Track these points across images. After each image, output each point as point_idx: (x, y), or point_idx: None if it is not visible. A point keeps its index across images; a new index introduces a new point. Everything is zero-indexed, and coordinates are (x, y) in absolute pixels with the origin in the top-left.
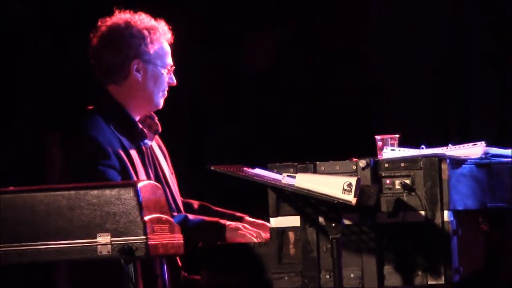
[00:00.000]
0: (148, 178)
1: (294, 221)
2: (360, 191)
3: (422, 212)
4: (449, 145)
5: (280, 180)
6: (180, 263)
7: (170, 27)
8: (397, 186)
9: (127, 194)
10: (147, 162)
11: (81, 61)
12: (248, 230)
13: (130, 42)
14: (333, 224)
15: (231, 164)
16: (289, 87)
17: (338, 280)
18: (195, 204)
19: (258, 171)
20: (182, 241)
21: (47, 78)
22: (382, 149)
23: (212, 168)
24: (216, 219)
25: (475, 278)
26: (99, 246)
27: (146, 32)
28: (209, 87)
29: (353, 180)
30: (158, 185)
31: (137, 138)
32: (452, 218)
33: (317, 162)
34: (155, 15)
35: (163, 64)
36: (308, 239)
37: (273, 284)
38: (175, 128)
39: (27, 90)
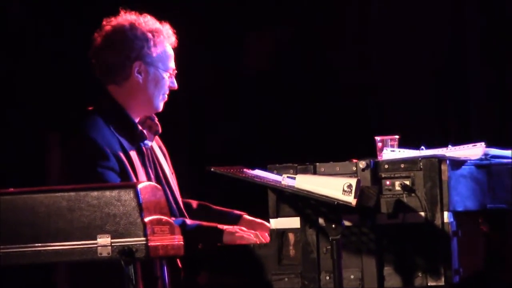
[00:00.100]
0: (148, 179)
1: (294, 222)
2: (360, 192)
3: (422, 213)
4: (449, 146)
5: (280, 181)
6: (180, 265)
7: (175, 30)
8: (397, 187)
9: (127, 195)
10: (147, 163)
11: (81, 61)
12: (245, 231)
13: (133, 44)
14: (333, 225)
15: (231, 165)
16: (289, 87)
17: (338, 281)
18: (194, 203)
19: (258, 172)
20: (182, 242)
21: (47, 78)
22: (382, 150)
23: (212, 169)
24: (214, 224)
25: (475, 279)
26: (99, 248)
27: (150, 35)
28: (209, 87)
29: (353, 181)
30: (158, 186)
31: (137, 139)
32: (452, 219)
33: (317, 163)
34: (155, 15)
35: (165, 68)
36: (308, 240)
37: (273, 286)
38: (175, 128)
39: (27, 90)
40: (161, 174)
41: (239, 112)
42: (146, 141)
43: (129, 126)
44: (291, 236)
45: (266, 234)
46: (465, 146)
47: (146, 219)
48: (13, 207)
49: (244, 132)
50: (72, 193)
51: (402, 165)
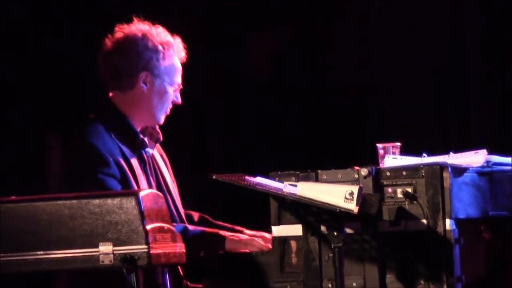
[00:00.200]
0: (150, 186)
1: (296, 229)
2: (362, 200)
3: (424, 221)
4: (451, 153)
5: (282, 189)
6: (182, 272)
7: (185, 45)
8: (399, 195)
9: (129, 203)
10: (148, 171)
11: (81, 61)
12: (251, 236)
13: (143, 54)
14: (335, 233)
15: (232, 169)
16: (289, 87)
17: None
18: (196, 216)
19: (259, 179)
20: (184, 250)
21: (47, 78)
22: (383, 157)
23: (214, 177)
24: (216, 230)
25: (477, 287)
26: (101, 256)
27: (160, 47)
28: (209, 87)
29: (355, 189)
30: (160, 194)
31: (138, 147)
32: (454, 227)
33: (319, 171)
34: (156, 15)
35: (171, 82)
36: (310, 248)
37: None
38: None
39: (27, 90)
40: (162, 182)
41: (239, 112)
42: (147, 149)
43: (130, 134)
44: (293, 244)
45: (269, 245)
46: (467, 153)
47: (148, 227)
48: (15, 215)
49: (244, 132)
50: (74, 201)
51: (404, 173)
